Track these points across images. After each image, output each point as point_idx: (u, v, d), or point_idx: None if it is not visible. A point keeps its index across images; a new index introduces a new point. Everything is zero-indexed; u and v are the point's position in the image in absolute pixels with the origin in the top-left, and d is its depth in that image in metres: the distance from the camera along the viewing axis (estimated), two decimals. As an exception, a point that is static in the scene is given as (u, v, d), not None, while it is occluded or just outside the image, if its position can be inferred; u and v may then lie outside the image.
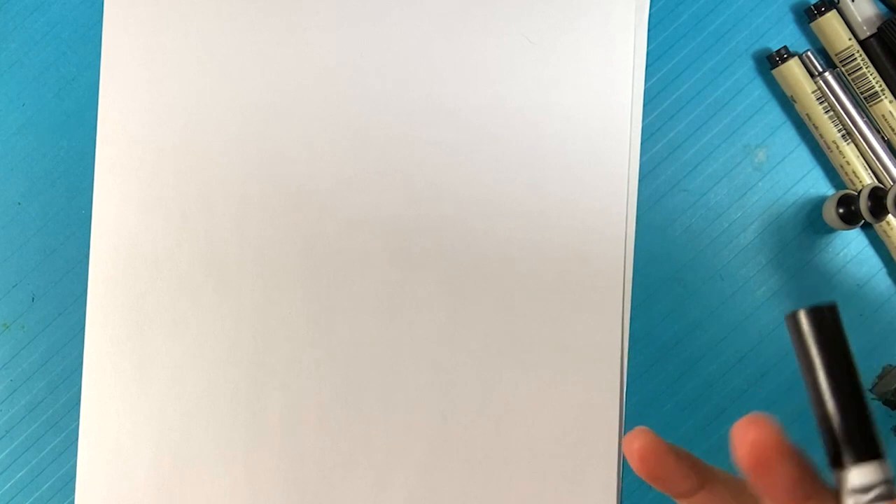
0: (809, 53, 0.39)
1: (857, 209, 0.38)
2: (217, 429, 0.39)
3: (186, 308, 0.40)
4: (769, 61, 0.39)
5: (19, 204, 0.41)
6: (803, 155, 0.40)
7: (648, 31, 0.40)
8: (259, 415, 0.39)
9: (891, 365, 0.39)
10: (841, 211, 0.38)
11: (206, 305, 0.40)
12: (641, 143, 0.40)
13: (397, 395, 0.39)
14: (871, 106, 0.39)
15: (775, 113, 0.40)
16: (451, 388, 0.39)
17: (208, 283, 0.40)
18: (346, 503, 0.39)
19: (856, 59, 0.39)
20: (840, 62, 0.39)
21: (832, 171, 0.40)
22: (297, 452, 0.39)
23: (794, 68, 0.39)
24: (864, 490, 0.22)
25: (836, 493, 0.23)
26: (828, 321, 0.24)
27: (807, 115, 0.39)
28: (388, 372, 0.39)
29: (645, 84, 0.40)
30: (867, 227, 0.40)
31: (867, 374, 0.39)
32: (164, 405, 0.40)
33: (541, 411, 0.39)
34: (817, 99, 0.39)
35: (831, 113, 0.39)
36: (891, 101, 0.39)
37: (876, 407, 0.39)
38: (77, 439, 0.40)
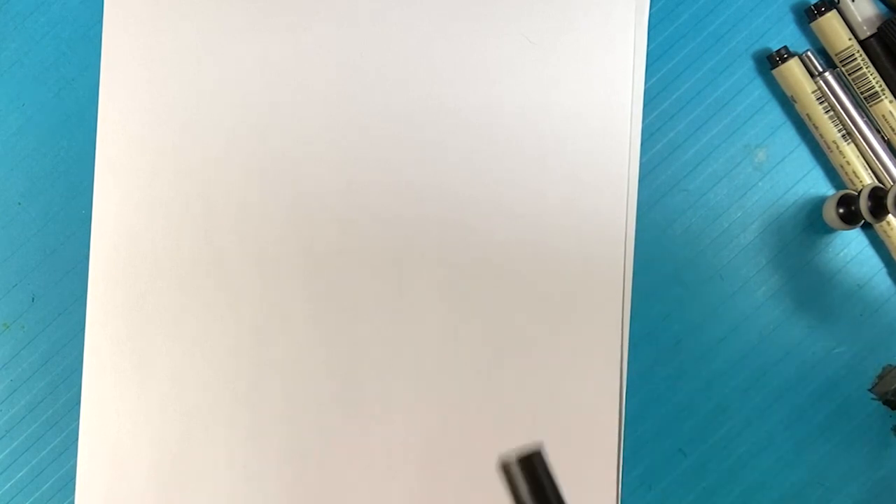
0: (809, 53, 0.39)
1: (857, 209, 0.38)
2: (217, 429, 0.39)
3: (186, 308, 0.40)
4: (769, 61, 0.39)
5: (19, 204, 0.41)
6: (803, 155, 0.40)
7: (648, 31, 0.40)
8: (259, 415, 0.39)
9: (891, 365, 0.39)
10: (841, 211, 0.38)
11: (206, 305, 0.40)
12: (641, 143, 0.40)
13: (397, 394, 0.39)
14: (871, 106, 0.39)
15: (775, 113, 0.40)
16: (451, 388, 0.39)
17: (208, 283, 0.40)
18: (346, 503, 0.39)
19: (856, 59, 0.39)
20: (840, 62, 0.39)
21: (832, 171, 0.40)
22: (297, 452, 0.39)
23: (794, 68, 0.39)
24: None
25: None
26: (538, 467, 0.25)
27: (807, 115, 0.39)
28: (388, 372, 0.39)
29: (645, 84, 0.40)
30: (867, 227, 0.40)
31: (867, 374, 0.39)
32: (164, 405, 0.40)
33: (541, 411, 0.39)
34: (817, 99, 0.39)
35: (831, 113, 0.39)
36: (891, 101, 0.39)
37: (876, 407, 0.39)
38: (77, 439, 0.40)
